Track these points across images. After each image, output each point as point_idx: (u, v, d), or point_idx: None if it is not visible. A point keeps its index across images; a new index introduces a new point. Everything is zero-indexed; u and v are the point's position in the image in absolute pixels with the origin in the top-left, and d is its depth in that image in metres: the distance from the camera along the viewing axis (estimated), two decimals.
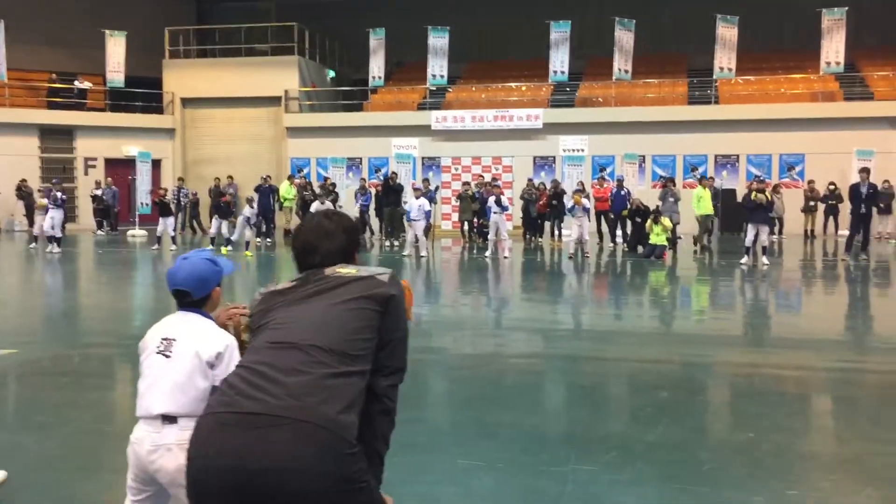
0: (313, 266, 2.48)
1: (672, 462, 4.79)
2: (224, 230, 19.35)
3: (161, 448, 2.70)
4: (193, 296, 2.86)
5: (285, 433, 2.02)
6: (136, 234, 23.53)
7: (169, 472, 2.70)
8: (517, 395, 6.47)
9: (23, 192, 24.44)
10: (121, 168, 26.03)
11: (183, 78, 28.20)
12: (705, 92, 25.44)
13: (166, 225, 19.93)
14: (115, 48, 27.08)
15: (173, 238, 20.24)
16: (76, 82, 28.24)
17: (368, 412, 2.23)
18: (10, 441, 4.27)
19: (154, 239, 20.14)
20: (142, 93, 27.63)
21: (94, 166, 27.24)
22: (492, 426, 5.51)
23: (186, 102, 28.38)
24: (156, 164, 25.93)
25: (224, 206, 19.85)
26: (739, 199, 20.47)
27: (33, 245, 19.82)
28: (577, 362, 7.75)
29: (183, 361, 2.76)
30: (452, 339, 8.95)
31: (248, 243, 18.49)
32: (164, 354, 2.79)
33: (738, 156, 24.25)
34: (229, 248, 18.78)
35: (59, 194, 19.14)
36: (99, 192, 25.18)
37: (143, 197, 24.33)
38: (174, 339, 2.82)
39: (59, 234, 18.93)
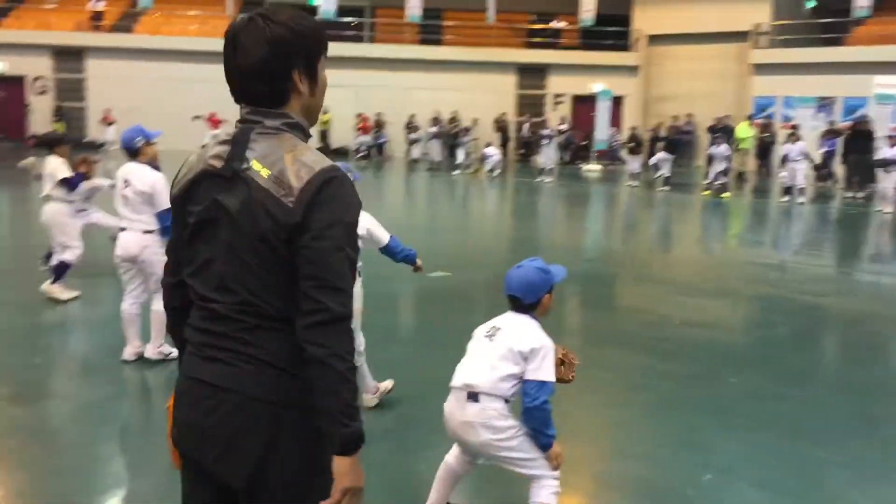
0: (240, 101, 1.86)
1: None
2: (665, 169, 19.36)
3: (465, 425, 3.16)
4: (523, 301, 3.22)
5: (222, 406, 1.83)
6: (591, 168, 24.59)
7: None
8: None
9: (499, 124, 27.14)
10: (585, 105, 27.24)
11: (651, 15, 28.21)
12: None
13: (634, 163, 20.68)
14: None
15: (635, 175, 20.56)
16: (553, 22, 30.02)
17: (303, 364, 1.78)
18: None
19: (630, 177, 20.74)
20: (611, 31, 28.38)
21: (561, 102, 28.93)
22: (873, 418, 4.91)
23: (652, 39, 28.45)
24: (617, 101, 26.59)
25: (674, 142, 19.88)
26: None
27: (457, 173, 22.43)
28: None
29: (499, 348, 3.16)
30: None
31: (725, 184, 18.51)
32: (489, 338, 3.23)
33: None
34: (665, 187, 18.87)
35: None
36: (563, 127, 26.68)
37: (602, 134, 25.24)
38: (499, 329, 3.23)
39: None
